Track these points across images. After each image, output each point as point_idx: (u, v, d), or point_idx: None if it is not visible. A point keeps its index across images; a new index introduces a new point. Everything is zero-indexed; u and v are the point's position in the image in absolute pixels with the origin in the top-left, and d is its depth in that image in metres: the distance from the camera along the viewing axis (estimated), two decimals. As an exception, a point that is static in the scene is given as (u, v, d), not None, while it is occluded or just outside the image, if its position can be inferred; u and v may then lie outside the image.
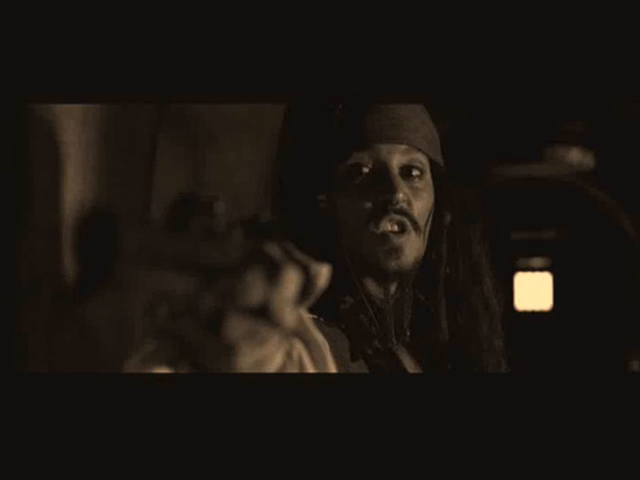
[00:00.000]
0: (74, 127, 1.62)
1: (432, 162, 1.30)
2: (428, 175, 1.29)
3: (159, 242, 0.59)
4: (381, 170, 1.24)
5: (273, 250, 0.67)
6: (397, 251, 1.24)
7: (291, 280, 0.67)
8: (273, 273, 0.66)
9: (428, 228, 1.29)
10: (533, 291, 10.76)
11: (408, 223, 1.24)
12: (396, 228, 1.24)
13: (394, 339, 1.26)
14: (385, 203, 1.23)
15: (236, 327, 0.66)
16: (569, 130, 6.89)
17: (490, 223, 1.39)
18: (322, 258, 0.71)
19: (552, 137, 7.16)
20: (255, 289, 0.65)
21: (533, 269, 10.81)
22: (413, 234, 1.25)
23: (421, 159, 1.27)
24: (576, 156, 7.29)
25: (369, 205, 1.24)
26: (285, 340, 0.73)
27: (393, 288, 1.27)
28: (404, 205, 1.24)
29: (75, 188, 1.62)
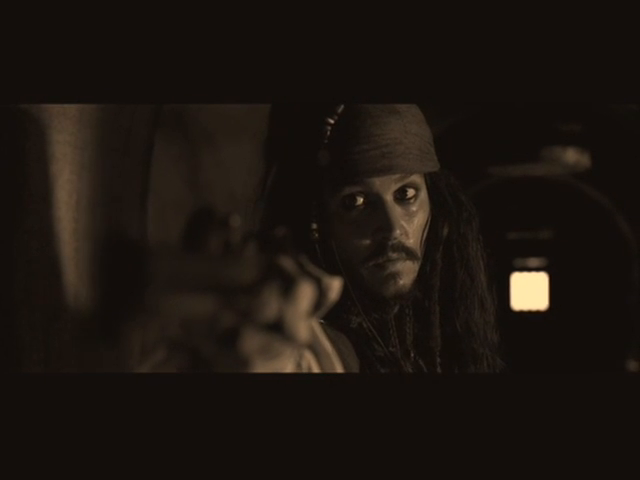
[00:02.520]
0: (70, 127, 1.62)
1: (427, 176, 1.30)
2: (423, 191, 1.28)
3: (180, 266, 0.58)
4: (376, 203, 1.23)
5: (287, 264, 0.67)
6: (395, 277, 1.25)
7: (305, 295, 0.67)
8: (288, 288, 0.66)
9: (423, 244, 1.29)
10: (529, 291, 10.77)
11: (404, 254, 1.25)
12: (393, 258, 1.24)
13: (400, 359, 1.27)
14: (383, 240, 1.23)
15: (251, 342, 0.66)
16: (566, 130, 6.90)
17: (487, 223, 1.39)
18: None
19: (549, 137, 7.16)
20: (271, 305, 0.65)
21: (529, 269, 10.82)
22: (409, 262, 1.26)
23: (415, 179, 1.26)
24: (572, 156, 7.29)
25: (366, 242, 1.24)
26: (296, 351, 0.73)
27: (394, 310, 1.28)
28: (401, 239, 1.24)
29: (71, 188, 1.62)
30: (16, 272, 1.54)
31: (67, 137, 1.60)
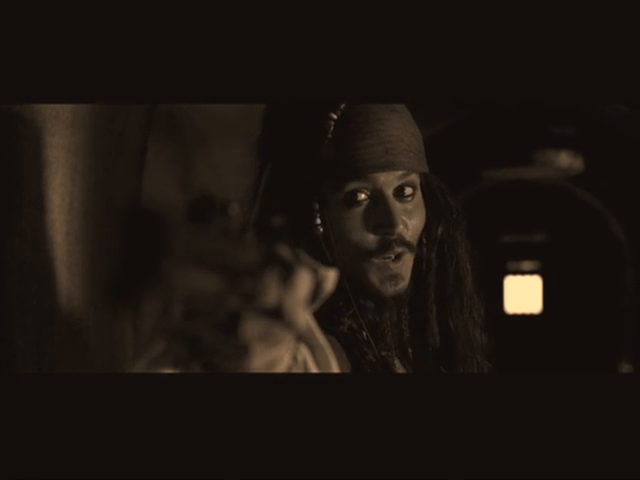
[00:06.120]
0: (63, 130, 1.62)
1: (422, 176, 1.31)
2: (419, 191, 1.29)
3: (190, 240, 0.59)
4: (379, 199, 1.24)
5: (285, 252, 0.68)
6: (396, 277, 1.26)
7: (303, 282, 0.68)
8: (286, 275, 0.67)
9: (418, 243, 1.30)
10: (523, 294, 10.78)
11: (406, 250, 1.26)
12: (394, 256, 1.25)
13: (396, 358, 1.28)
14: (385, 236, 1.24)
15: (252, 327, 0.67)
16: (558, 133, 6.91)
17: (480, 226, 1.40)
18: None
19: (542, 140, 7.18)
20: (270, 290, 0.66)
21: (523, 272, 10.83)
22: (408, 256, 1.27)
23: (414, 179, 1.27)
24: (565, 159, 7.31)
25: (369, 237, 1.24)
26: (293, 342, 0.73)
27: (390, 310, 1.28)
28: (403, 233, 1.25)
29: (64, 191, 1.62)
30: (9, 275, 1.54)
31: (60, 140, 1.60)
